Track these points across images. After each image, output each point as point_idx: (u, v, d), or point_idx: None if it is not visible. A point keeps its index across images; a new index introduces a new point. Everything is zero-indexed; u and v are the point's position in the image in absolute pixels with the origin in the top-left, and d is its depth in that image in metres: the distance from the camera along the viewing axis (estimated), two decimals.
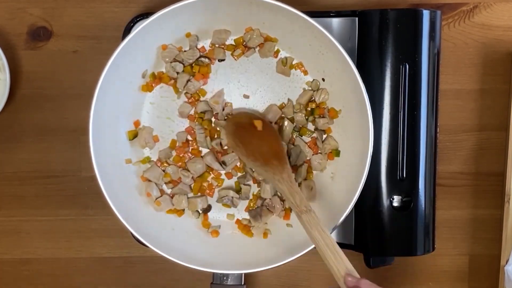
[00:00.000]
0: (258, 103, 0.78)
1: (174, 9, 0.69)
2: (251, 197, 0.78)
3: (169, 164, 0.78)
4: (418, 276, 0.86)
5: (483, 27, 0.82)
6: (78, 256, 0.85)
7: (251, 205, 0.79)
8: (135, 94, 0.77)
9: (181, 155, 0.78)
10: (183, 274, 0.85)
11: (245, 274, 0.76)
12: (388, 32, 0.72)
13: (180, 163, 0.78)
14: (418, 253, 0.75)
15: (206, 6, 0.71)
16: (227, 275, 0.76)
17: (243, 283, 0.76)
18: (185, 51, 0.76)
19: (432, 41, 0.73)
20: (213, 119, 0.78)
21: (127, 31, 0.77)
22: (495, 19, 0.82)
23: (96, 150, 0.70)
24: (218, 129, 0.78)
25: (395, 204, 0.74)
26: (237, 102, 0.78)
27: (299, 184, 0.78)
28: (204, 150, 0.78)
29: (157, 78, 0.77)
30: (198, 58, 0.77)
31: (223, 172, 0.78)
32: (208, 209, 0.79)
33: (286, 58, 0.77)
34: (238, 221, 0.79)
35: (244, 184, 0.78)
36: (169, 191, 0.78)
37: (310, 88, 0.77)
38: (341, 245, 0.78)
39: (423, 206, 0.74)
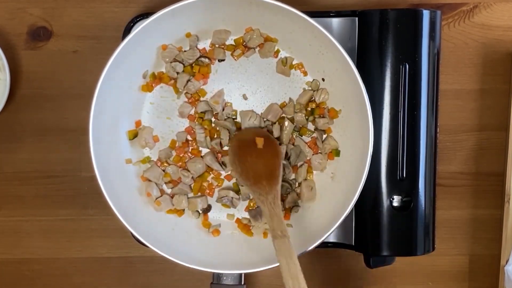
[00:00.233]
0: (258, 103, 0.78)
1: (174, 9, 0.69)
2: (251, 196, 0.78)
3: (169, 164, 0.78)
4: (418, 276, 0.86)
5: (483, 27, 0.82)
6: (78, 256, 0.85)
7: (251, 205, 0.79)
8: (135, 94, 0.77)
9: (181, 155, 0.78)
10: (183, 274, 0.85)
11: (245, 274, 0.76)
12: (388, 32, 0.72)
13: (180, 163, 0.78)
14: (418, 253, 0.75)
15: (206, 6, 0.71)
16: (227, 275, 0.76)
17: (243, 283, 0.76)
18: (185, 51, 0.76)
19: (432, 41, 0.73)
20: (213, 119, 0.78)
21: (127, 31, 0.77)
22: (495, 19, 0.82)
23: (96, 150, 0.70)
24: (218, 129, 0.78)
25: (395, 204, 0.74)
26: (237, 102, 0.78)
27: (299, 184, 0.78)
28: (204, 150, 0.78)
29: (157, 78, 0.77)
30: (198, 58, 0.77)
31: (223, 172, 0.79)
32: (208, 209, 0.79)
33: (286, 58, 0.77)
34: (238, 220, 0.79)
35: (242, 185, 0.78)
36: (169, 191, 0.78)
37: (310, 88, 0.77)
38: (341, 245, 0.78)
39: (423, 206, 0.74)
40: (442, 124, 0.80)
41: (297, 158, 0.77)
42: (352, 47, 0.75)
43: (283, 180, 0.78)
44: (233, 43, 0.77)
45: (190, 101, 0.78)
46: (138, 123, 0.77)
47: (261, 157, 0.73)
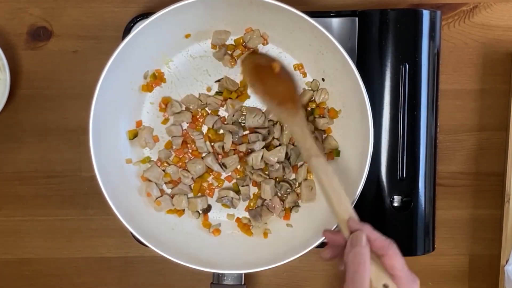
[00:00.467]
0: (258, 102, 0.78)
1: (174, 9, 0.69)
2: (251, 196, 0.78)
3: (169, 164, 0.78)
4: (418, 276, 0.86)
5: (483, 27, 0.82)
6: (78, 256, 0.85)
7: (251, 204, 0.79)
8: (135, 94, 0.77)
9: (180, 156, 0.78)
10: (183, 274, 0.85)
11: (245, 274, 0.76)
12: (388, 32, 0.72)
13: (180, 164, 0.78)
14: (418, 253, 0.75)
15: (206, 6, 0.71)
16: (227, 275, 0.76)
17: (243, 283, 0.76)
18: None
19: (432, 41, 0.73)
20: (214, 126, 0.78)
21: (127, 31, 0.77)
22: (495, 19, 0.82)
23: (96, 150, 0.70)
24: (220, 132, 0.77)
25: (395, 204, 0.74)
26: None
27: (299, 184, 0.78)
28: None
29: (157, 78, 0.77)
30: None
31: (223, 173, 0.78)
32: (208, 209, 0.79)
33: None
34: (238, 220, 0.79)
35: (242, 186, 0.78)
36: (169, 191, 0.78)
37: (310, 88, 0.77)
38: None
39: (423, 206, 0.74)
40: (442, 124, 0.80)
41: (297, 158, 0.77)
42: (352, 47, 0.75)
43: (283, 180, 0.78)
44: (233, 43, 0.77)
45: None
46: (139, 123, 0.77)
47: (280, 81, 0.73)
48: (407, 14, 0.73)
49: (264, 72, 0.73)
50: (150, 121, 0.78)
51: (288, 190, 0.78)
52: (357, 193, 0.70)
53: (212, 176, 0.79)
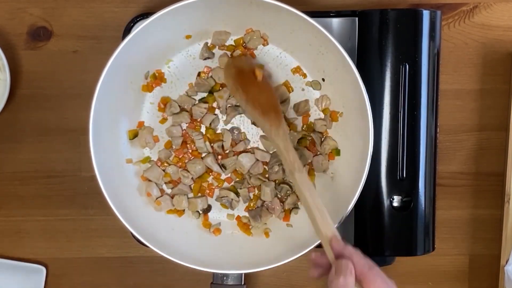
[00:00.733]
0: None
1: (174, 9, 0.69)
2: (251, 197, 0.78)
3: (169, 164, 0.78)
4: (418, 276, 0.86)
5: (483, 27, 0.82)
6: (78, 256, 0.85)
7: (251, 205, 0.79)
8: (135, 94, 0.77)
9: (180, 156, 0.78)
10: (183, 274, 0.85)
11: (245, 274, 0.77)
12: (388, 32, 0.72)
13: (179, 164, 0.78)
14: (418, 253, 0.75)
15: (206, 6, 0.71)
16: (227, 275, 0.76)
17: (243, 283, 0.76)
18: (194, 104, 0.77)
19: (432, 41, 0.73)
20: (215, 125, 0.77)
21: (127, 31, 0.77)
22: (495, 19, 0.82)
23: (96, 150, 0.70)
24: (220, 132, 0.77)
25: (395, 204, 0.74)
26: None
27: None
28: None
29: (157, 78, 0.77)
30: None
31: (223, 174, 0.78)
32: (208, 209, 0.79)
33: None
34: (238, 218, 0.79)
35: (241, 188, 0.78)
36: (169, 191, 0.78)
37: (311, 87, 0.77)
38: None
39: (423, 206, 0.74)
40: (442, 124, 0.80)
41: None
42: (352, 47, 0.75)
43: (283, 182, 0.78)
44: (233, 44, 0.77)
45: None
46: (140, 124, 0.77)
47: (262, 90, 0.72)
48: (407, 14, 0.73)
49: (247, 78, 0.72)
50: (150, 121, 0.78)
51: (288, 192, 0.77)
52: (357, 193, 0.70)
53: (212, 176, 0.79)
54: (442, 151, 0.83)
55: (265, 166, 0.77)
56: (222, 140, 0.77)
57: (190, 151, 0.78)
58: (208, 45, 0.77)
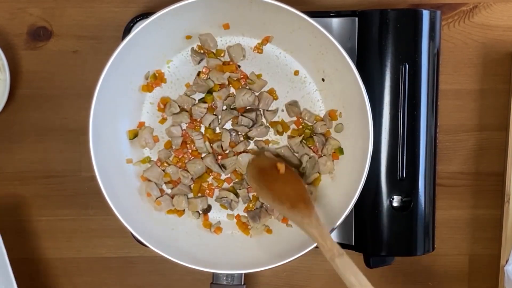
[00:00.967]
0: None
1: (174, 9, 0.69)
2: (251, 198, 0.78)
3: (169, 164, 0.78)
4: (418, 276, 0.86)
5: (483, 27, 0.82)
6: (78, 256, 0.85)
7: (250, 206, 0.79)
8: (135, 94, 0.77)
9: (179, 157, 0.78)
10: (183, 274, 0.85)
11: (245, 274, 0.76)
12: (388, 32, 0.72)
13: (179, 164, 0.78)
14: (418, 253, 0.75)
15: (206, 6, 0.71)
16: (227, 275, 0.76)
17: (243, 283, 0.76)
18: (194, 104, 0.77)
19: (432, 41, 0.73)
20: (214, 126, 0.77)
21: (127, 31, 0.77)
22: (495, 19, 0.82)
23: (96, 150, 0.70)
24: (219, 131, 0.77)
25: (395, 204, 0.74)
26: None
27: None
28: None
29: (158, 78, 0.77)
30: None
31: (223, 174, 0.78)
32: (208, 209, 0.79)
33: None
34: (238, 217, 0.79)
35: (240, 189, 0.78)
36: (169, 191, 0.78)
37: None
38: (341, 245, 0.78)
39: (423, 206, 0.74)
40: (442, 124, 0.80)
41: (313, 169, 0.76)
42: (352, 47, 0.75)
43: None
44: (214, 52, 0.77)
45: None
46: (141, 124, 0.77)
47: (287, 182, 0.71)
48: (407, 14, 0.73)
49: (270, 175, 0.72)
50: (150, 121, 0.78)
51: None
52: (357, 193, 0.70)
53: (211, 176, 0.79)
54: (442, 151, 0.83)
55: None
56: (221, 140, 0.77)
57: (190, 151, 0.78)
58: (195, 49, 0.77)
